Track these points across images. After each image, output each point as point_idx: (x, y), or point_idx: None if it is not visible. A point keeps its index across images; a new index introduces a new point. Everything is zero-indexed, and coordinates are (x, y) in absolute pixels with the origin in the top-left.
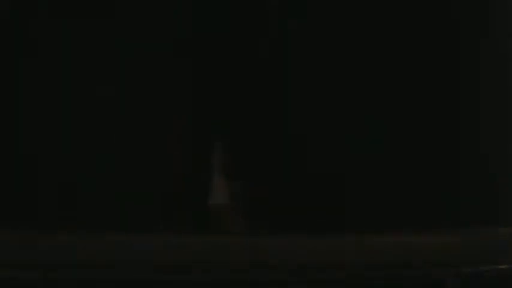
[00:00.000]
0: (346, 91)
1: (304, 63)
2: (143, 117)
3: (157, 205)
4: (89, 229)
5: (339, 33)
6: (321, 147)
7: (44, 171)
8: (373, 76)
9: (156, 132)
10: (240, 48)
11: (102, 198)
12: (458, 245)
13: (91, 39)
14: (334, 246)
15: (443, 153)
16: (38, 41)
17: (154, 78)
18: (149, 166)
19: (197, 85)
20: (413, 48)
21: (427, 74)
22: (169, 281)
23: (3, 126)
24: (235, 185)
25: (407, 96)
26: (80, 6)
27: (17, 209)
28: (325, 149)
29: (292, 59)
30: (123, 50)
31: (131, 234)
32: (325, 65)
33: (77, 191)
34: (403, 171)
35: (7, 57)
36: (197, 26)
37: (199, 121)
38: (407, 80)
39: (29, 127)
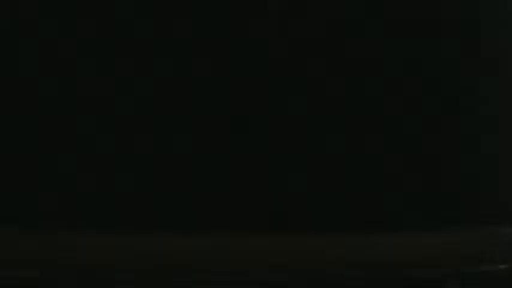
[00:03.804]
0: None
1: None
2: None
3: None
4: (88, 229)
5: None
6: (323, 146)
7: (44, 172)
8: (371, 76)
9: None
10: None
11: (101, 198)
12: (458, 245)
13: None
14: (334, 246)
15: (444, 153)
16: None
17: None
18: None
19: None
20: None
21: (427, 72)
22: (169, 281)
23: (3, 127)
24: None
25: (407, 95)
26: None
27: (17, 208)
28: (324, 149)
29: None
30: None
31: (132, 234)
32: None
33: (78, 191)
34: (404, 171)
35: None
36: None
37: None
38: (407, 79)
39: (29, 128)
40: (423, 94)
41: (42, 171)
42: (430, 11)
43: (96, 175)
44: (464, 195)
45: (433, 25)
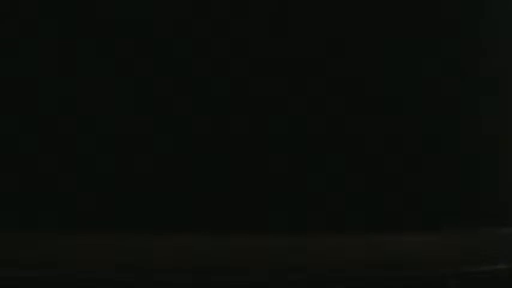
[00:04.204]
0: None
1: None
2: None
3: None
4: (89, 229)
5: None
6: (323, 147)
7: (44, 172)
8: (371, 78)
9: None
10: None
11: (101, 199)
12: (458, 245)
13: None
14: (335, 246)
15: (444, 153)
16: None
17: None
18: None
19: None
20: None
21: (429, 72)
22: (169, 281)
23: (3, 128)
24: None
25: (407, 95)
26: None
27: (17, 209)
28: (325, 149)
29: None
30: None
31: (132, 234)
32: None
33: (78, 191)
34: (404, 171)
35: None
36: None
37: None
38: (406, 80)
39: (28, 128)
40: (423, 95)
41: (42, 171)
42: (431, 11)
43: (96, 176)
44: (464, 195)
45: (433, 25)
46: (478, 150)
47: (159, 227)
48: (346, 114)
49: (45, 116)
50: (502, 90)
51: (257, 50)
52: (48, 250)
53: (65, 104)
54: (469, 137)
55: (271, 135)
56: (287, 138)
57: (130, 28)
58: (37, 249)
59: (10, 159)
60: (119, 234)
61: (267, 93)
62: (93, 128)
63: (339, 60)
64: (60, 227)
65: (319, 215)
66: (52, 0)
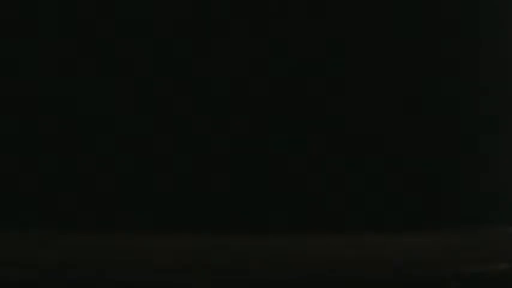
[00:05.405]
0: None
1: None
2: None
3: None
4: (89, 229)
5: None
6: (320, 148)
7: (45, 173)
8: (370, 78)
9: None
10: None
11: (101, 199)
12: (458, 245)
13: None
14: (335, 245)
15: (444, 153)
16: None
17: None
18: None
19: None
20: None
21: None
22: (169, 281)
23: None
24: None
25: (406, 94)
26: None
27: (18, 210)
28: (324, 149)
29: None
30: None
31: (133, 234)
32: None
33: (78, 191)
34: (404, 171)
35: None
36: None
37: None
38: (407, 80)
39: (29, 130)
40: (424, 95)
41: (42, 172)
42: (431, 11)
43: (96, 176)
44: (464, 195)
45: (434, 25)
46: (478, 150)
47: (159, 227)
48: (346, 114)
49: (46, 116)
50: (502, 90)
51: (258, 50)
52: (49, 250)
53: (63, 103)
54: (469, 136)
55: (271, 136)
56: (286, 139)
57: (130, 28)
58: (38, 250)
59: (11, 160)
60: (119, 234)
61: (267, 93)
62: (95, 128)
63: (338, 60)
64: (61, 228)
65: (319, 216)
66: (53, 1)
